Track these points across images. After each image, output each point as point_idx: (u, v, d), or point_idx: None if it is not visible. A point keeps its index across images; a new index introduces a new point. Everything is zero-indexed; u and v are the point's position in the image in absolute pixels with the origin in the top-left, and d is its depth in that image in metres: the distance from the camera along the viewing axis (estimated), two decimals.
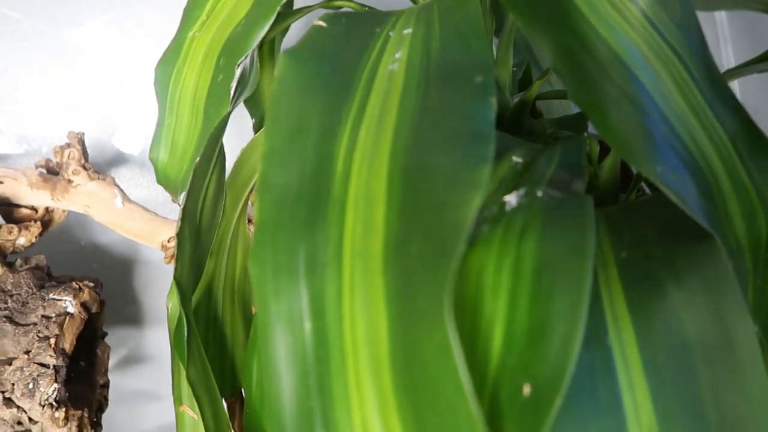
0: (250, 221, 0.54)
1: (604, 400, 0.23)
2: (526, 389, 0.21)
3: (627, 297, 0.25)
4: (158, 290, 0.72)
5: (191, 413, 0.49)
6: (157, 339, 0.73)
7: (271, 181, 0.28)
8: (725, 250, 0.24)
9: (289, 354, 0.26)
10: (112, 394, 0.60)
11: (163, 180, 0.44)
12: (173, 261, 0.52)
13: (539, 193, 0.26)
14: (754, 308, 0.26)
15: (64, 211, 0.54)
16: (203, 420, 0.43)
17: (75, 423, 0.45)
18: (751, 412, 0.22)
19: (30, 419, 0.44)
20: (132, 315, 0.71)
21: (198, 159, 0.36)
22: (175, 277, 0.38)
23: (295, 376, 0.25)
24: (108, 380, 0.51)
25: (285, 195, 0.27)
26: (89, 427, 0.47)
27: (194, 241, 0.41)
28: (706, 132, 0.27)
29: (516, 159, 0.30)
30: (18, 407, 0.43)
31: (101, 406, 0.49)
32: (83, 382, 0.49)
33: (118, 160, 0.66)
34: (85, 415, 0.46)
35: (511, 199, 0.27)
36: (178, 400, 0.49)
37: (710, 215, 0.25)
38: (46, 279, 0.48)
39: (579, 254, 0.23)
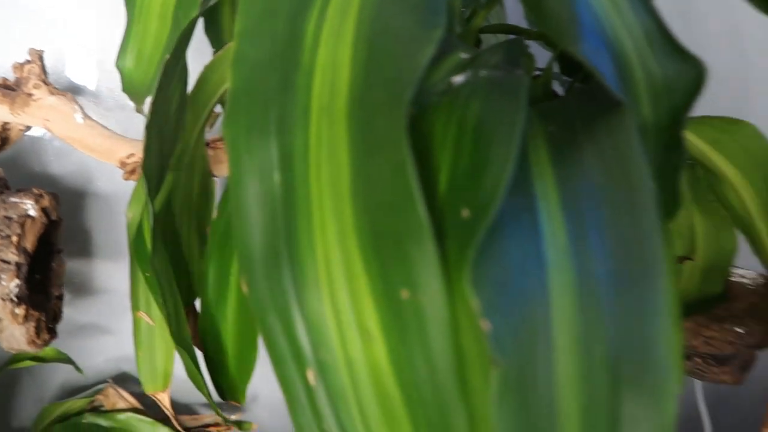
0: (207, 144, 0.56)
1: (527, 227, 0.27)
2: (465, 213, 0.25)
3: (551, 155, 0.30)
4: (109, 225, 0.73)
5: (147, 318, 0.51)
6: (106, 272, 0.73)
7: (245, 54, 0.31)
8: (634, 118, 0.29)
9: (259, 202, 0.29)
10: (61, 327, 0.61)
11: (128, 87, 0.45)
12: (132, 177, 0.54)
13: (483, 73, 0.31)
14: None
15: (20, 129, 0.55)
16: (167, 319, 0.46)
17: (33, 323, 0.46)
18: (640, 239, 0.27)
19: None
20: (82, 248, 0.72)
21: (168, 57, 0.38)
22: (144, 171, 0.40)
23: (265, 221, 0.28)
24: (63, 293, 0.52)
25: (257, 66, 0.30)
26: (45, 332, 0.48)
27: (159, 143, 0.43)
28: (626, 26, 0.32)
29: (463, 55, 0.34)
30: None
31: (56, 316, 0.50)
32: (40, 293, 0.50)
33: (73, 91, 0.67)
34: (42, 318, 0.47)
35: (459, 78, 0.31)
36: (135, 307, 0.52)
37: (623, 90, 0.30)
38: (4, 189, 0.49)
39: (513, 113, 0.28)
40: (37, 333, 0.47)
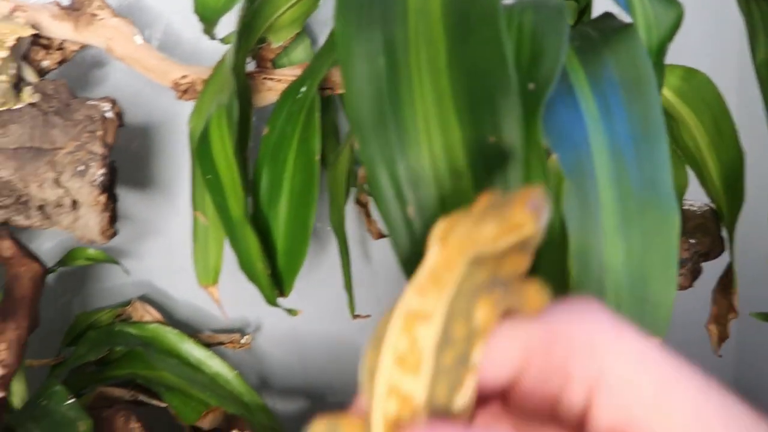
0: (248, 75, 0.63)
1: (569, 103, 0.37)
2: (531, 86, 0.35)
3: (579, 59, 0.40)
4: (130, 156, 0.78)
5: (203, 219, 0.58)
6: (130, 200, 0.78)
7: None
8: (639, 33, 0.40)
9: (367, 79, 0.37)
10: None
11: (201, 9, 0.52)
12: (185, 96, 0.61)
13: None
14: None
15: (73, 51, 0.60)
16: (228, 212, 0.52)
17: (108, 214, 0.53)
18: (647, 111, 0.37)
19: (74, 201, 0.51)
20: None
21: None
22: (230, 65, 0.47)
23: (372, 94, 0.37)
24: (117, 196, 0.57)
25: None
26: (112, 226, 0.54)
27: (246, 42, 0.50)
28: None
29: None
30: (65, 188, 0.50)
31: (116, 216, 0.56)
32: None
33: None
34: (113, 212, 0.53)
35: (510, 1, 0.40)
36: (194, 207, 0.58)
37: (630, 12, 0.41)
38: (72, 96, 0.54)
39: (559, 22, 0.37)
40: (109, 224, 0.53)
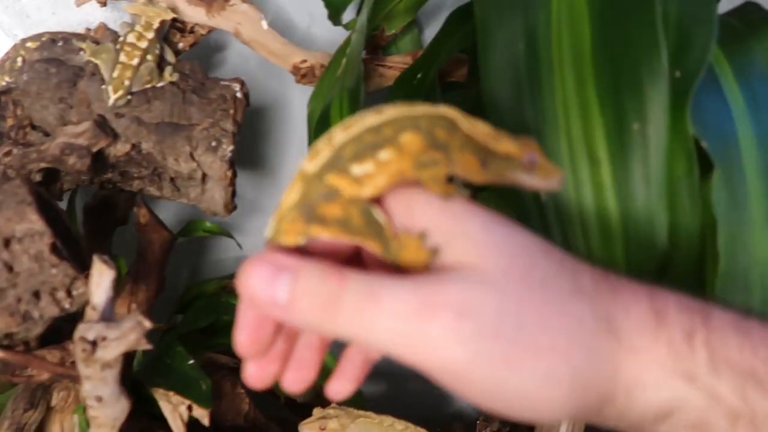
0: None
1: (716, 93, 0.36)
2: (677, 73, 0.35)
3: (724, 50, 0.39)
4: (266, 140, 0.82)
5: None
6: (263, 185, 0.82)
7: None
8: None
9: (506, 64, 0.38)
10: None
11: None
12: (303, 80, 0.63)
13: None
14: None
15: (202, 34, 0.64)
16: None
17: (232, 189, 0.56)
18: None
19: (204, 175, 0.54)
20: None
21: None
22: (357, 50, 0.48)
23: (511, 78, 0.37)
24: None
25: None
26: (234, 201, 0.58)
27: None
28: None
29: None
30: (197, 162, 0.53)
31: (235, 192, 0.59)
32: None
33: None
34: (234, 188, 0.56)
35: None
36: None
37: None
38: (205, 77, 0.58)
39: (708, 12, 0.37)
40: (231, 199, 0.56)
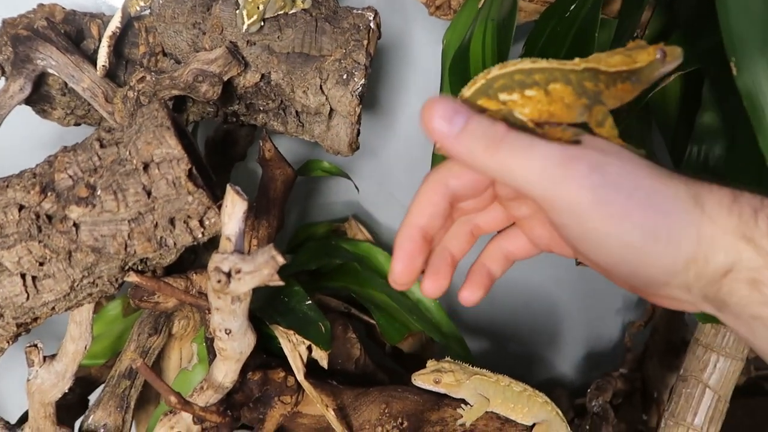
0: None
1: None
2: None
3: None
4: (383, 77, 0.78)
5: None
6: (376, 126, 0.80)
7: None
8: None
9: None
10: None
11: None
12: (437, 12, 0.58)
13: None
14: None
15: None
16: None
17: (358, 126, 0.53)
18: None
19: (331, 110, 0.52)
20: None
21: None
22: None
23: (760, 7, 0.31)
24: None
25: None
26: (358, 140, 0.54)
27: None
28: None
29: None
30: (326, 96, 0.50)
31: (360, 131, 0.56)
32: None
33: None
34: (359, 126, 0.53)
35: None
36: None
37: None
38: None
39: None
40: (356, 137, 0.54)
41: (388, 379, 0.65)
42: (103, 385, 0.54)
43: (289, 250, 0.75)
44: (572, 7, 0.50)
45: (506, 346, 0.97)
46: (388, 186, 0.84)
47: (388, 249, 0.83)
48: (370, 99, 0.81)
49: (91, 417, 0.49)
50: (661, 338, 0.79)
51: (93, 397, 0.59)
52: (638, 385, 0.82)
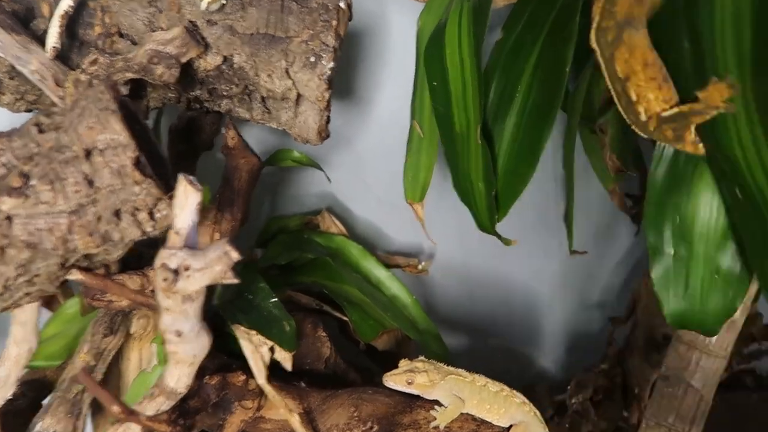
0: None
1: None
2: None
3: None
4: (358, 64, 0.75)
5: (419, 129, 0.54)
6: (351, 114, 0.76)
7: None
8: None
9: None
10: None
11: None
12: None
13: None
14: None
15: None
16: (451, 123, 0.48)
17: (327, 113, 0.50)
18: None
19: (298, 95, 0.49)
20: None
21: None
22: None
23: None
24: None
25: None
26: (328, 128, 0.51)
27: None
28: None
29: None
30: (293, 80, 0.47)
31: (330, 118, 0.53)
32: None
33: None
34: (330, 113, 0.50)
35: None
36: (412, 115, 0.54)
37: None
38: None
39: None
40: (326, 124, 0.50)
41: (360, 378, 0.62)
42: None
43: (259, 243, 0.72)
44: None
45: (486, 341, 0.95)
46: (363, 176, 0.81)
47: (363, 242, 0.80)
48: (343, 85, 0.78)
49: (39, 424, 0.46)
50: (642, 333, 0.78)
51: None
52: (619, 381, 0.80)
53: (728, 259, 0.43)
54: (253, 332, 0.45)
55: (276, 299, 0.49)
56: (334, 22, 0.47)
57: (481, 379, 0.52)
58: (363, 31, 0.75)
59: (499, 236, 0.50)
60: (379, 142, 0.79)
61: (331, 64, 0.46)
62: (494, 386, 0.52)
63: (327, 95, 0.48)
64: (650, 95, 0.35)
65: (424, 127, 0.52)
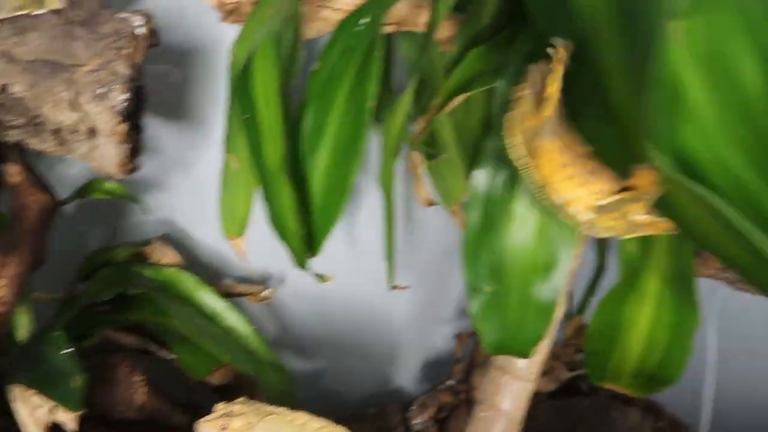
0: None
1: None
2: None
3: None
4: (159, 84, 0.71)
5: (235, 163, 0.52)
6: (158, 131, 0.72)
7: None
8: None
9: None
10: None
11: None
12: (229, 18, 0.53)
13: None
14: None
15: None
16: (263, 159, 0.46)
17: (128, 146, 0.46)
18: None
19: (91, 129, 0.45)
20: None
21: None
22: None
23: None
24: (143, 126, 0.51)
25: None
26: (132, 160, 0.48)
27: None
28: None
29: None
30: (82, 112, 0.43)
31: (138, 149, 0.50)
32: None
33: None
34: (135, 145, 0.47)
35: None
36: (227, 148, 0.52)
37: None
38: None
39: None
40: (129, 157, 0.47)
41: (189, 419, 0.59)
42: None
43: (82, 278, 0.66)
44: (363, 20, 0.47)
45: (342, 362, 0.94)
46: (205, 201, 0.77)
47: (203, 270, 0.77)
48: (179, 109, 0.74)
49: None
50: (482, 349, 0.80)
51: None
52: (464, 397, 0.83)
53: (538, 290, 0.46)
54: (32, 392, 0.40)
55: (71, 349, 0.45)
56: (129, 51, 0.43)
57: (301, 417, 0.51)
58: (199, 52, 0.72)
59: (315, 274, 0.49)
60: (221, 165, 0.76)
61: (125, 95, 0.43)
62: (316, 422, 0.51)
63: (122, 128, 0.44)
64: (577, 193, 0.34)
65: (241, 159, 0.50)
